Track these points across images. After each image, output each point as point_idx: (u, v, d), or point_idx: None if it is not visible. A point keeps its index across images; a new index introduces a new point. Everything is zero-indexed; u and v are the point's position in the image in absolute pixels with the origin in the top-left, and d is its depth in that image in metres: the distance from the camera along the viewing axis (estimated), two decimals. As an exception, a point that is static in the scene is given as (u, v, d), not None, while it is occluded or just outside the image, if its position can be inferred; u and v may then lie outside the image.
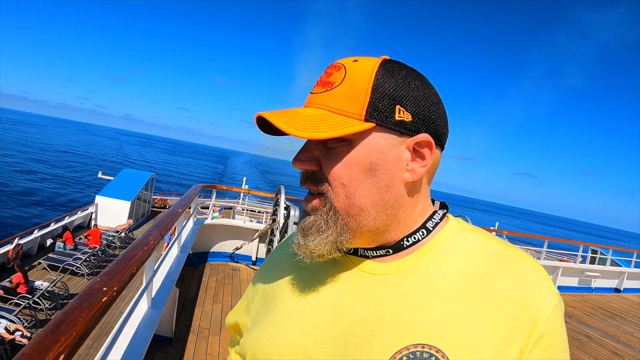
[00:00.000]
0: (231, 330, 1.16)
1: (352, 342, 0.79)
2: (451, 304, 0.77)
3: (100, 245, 16.06)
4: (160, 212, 27.07)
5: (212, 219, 9.25)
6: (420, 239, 0.86)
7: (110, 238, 17.46)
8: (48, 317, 10.75)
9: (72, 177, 52.77)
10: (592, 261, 16.60)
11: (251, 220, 27.95)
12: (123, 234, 18.70)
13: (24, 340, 9.05)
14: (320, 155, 0.83)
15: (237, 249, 8.52)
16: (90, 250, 15.33)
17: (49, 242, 16.23)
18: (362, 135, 0.79)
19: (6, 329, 9.00)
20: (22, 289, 11.01)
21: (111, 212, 20.78)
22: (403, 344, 0.75)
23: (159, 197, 28.49)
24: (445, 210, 0.94)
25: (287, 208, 6.66)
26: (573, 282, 13.72)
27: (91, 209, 20.64)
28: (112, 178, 27.78)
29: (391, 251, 0.85)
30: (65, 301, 11.70)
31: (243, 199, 32.34)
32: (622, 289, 14.73)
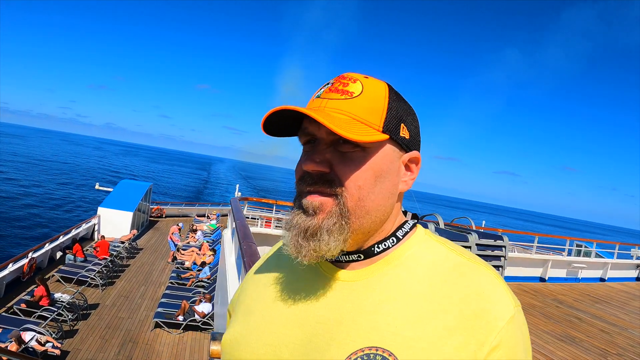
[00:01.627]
0: None
1: (314, 342, 0.84)
2: (407, 310, 0.80)
3: (109, 257, 16.27)
4: (158, 221, 27.16)
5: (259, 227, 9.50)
6: (390, 246, 0.91)
7: (117, 249, 17.66)
8: (72, 327, 10.97)
9: (64, 188, 52.42)
10: (577, 254, 17.53)
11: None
12: (128, 245, 18.89)
13: (56, 351, 9.28)
14: (332, 159, 0.86)
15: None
16: (101, 262, 15.52)
17: (58, 254, 16.39)
18: (377, 144, 0.87)
19: (37, 341, 9.22)
20: (44, 302, 11.21)
21: (114, 223, 20.90)
22: (358, 345, 0.79)
23: (156, 207, 28.56)
24: (416, 221, 1.00)
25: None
26: (562, 273, 14.72)
27: (94, 221, 20.76)
28: (109, 189, 27.91)
29: (362, 256, 0.90)
30: (85, 312, 11.92)
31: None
32: (606, 279, 15.65)
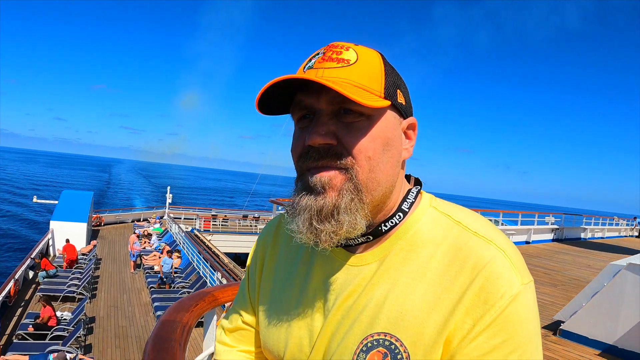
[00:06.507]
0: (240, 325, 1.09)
1: (344, 325, 0.83)
2: (414, 294, 0.77)
3: (84, 270, 15.79)
4: (99, 230, 26.17)
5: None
6: (397, 222, 0.84)
7: (85, 261, 17.09)
8: (83, 343, 10.76)
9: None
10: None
11: (187, 227, 27.73)
12: (92, 256, 18.27)
13: (92, 366, 9.21)
14: (337, 130, 0.78)
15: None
16: (81, 276, 15.10)
17: (30, 274, 15.66)
18: (380, 111, 0.80)
19: None
20: (52, 322, 10.89)
21: (69, 236, 19.71)
22: (371, 330, 0.78)
23: (95, 215, 27.46)
24: (419, 187, 0.92)
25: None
26: (499, 239, 17.81)
27: (48, 236, 19.77)
28: (49, 202, 26.53)
29: (371, 237, 0.84)
30: (89, 325, 11.71)
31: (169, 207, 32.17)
32: (530, 241, 18.93)
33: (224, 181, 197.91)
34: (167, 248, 19.54)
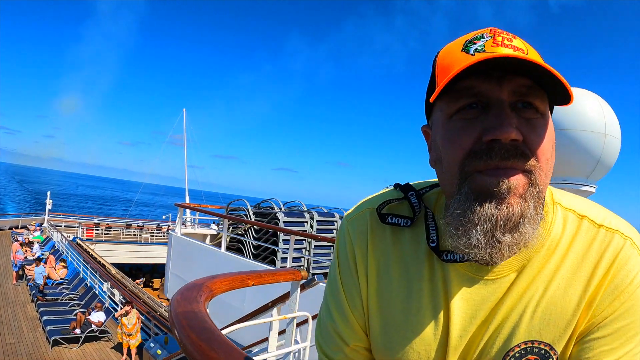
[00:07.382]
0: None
1: (484, 340, 0.77)
2: (555, 299, 0.74)
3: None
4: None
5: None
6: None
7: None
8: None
9: None
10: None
11: (69, 236, 26.67)
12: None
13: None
14: (520, 126, 0.68)
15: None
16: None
17: None
18: (548, 110, 0.73)
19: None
20: None
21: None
22: (519, 340, 0.74)
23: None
24: None
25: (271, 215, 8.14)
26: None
27: None
28: None
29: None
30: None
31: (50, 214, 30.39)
32: None
33: (102, 189, 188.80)
34: (52, 257, 18.78)
